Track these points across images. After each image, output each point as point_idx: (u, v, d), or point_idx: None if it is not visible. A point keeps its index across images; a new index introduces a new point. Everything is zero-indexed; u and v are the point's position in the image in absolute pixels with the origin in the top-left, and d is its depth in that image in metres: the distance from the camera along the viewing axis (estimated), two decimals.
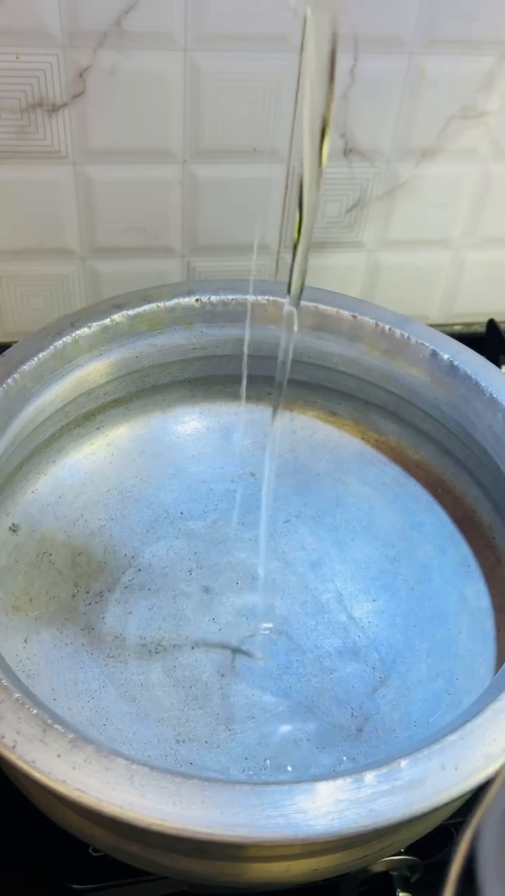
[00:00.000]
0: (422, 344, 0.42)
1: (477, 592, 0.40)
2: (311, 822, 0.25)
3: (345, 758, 0.36)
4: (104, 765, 0.27)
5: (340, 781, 0.26)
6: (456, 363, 0.41)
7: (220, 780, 0.27)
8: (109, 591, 0.41)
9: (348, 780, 0.26)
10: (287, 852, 0.28)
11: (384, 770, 0.27)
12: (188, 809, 0.26)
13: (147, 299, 0.42)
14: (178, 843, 0.27)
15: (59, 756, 0.27)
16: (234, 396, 0.48)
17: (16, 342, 0.40)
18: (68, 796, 0.26)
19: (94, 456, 0.45)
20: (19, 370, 0.38)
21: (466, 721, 0.28)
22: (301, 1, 0.29)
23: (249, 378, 0.47)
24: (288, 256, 0.54)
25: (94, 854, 0.36)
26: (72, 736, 0.27)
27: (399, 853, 0.35)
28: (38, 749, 0.27)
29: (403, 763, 0.27)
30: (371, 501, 0.46)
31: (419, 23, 0.46)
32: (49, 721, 0.28)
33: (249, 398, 0.48)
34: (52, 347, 0.40)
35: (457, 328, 0.61)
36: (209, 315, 0.44)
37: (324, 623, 0.41)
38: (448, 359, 0.41)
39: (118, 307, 0.42)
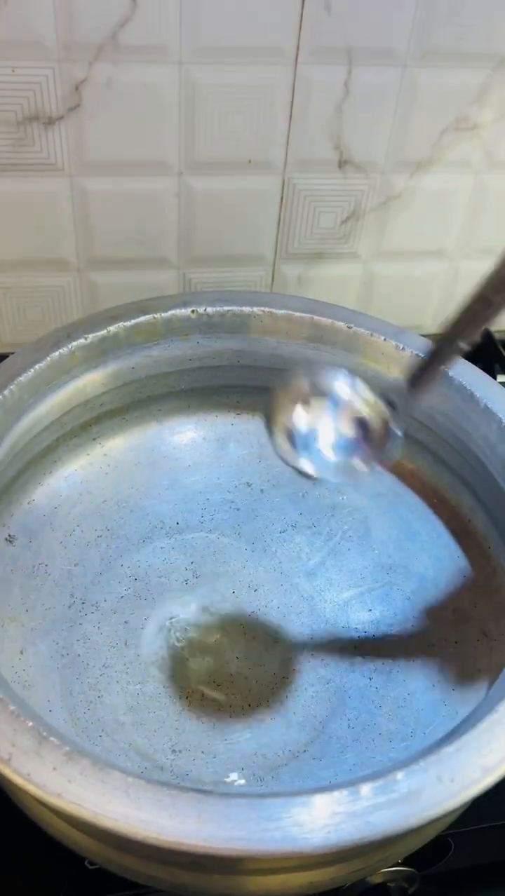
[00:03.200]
0: (417, 355, 0.42)
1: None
2: (307, 836, 0.25)
3: (341, 768, 0.36)
4: (100, 778, 0.26)
5: (336, 794, 0.26)
6: (450, 374, 0.41)
7: (217, 793, 0.27)
8: (105, 601, 0.41)
9: (345, 792, 0.26)
10: (284, 865, 0.28)
11: (381, 782, 0.27)
12: (184, 823, 0.26)
13: (143, 311, 0.43)
14: (174, 856, 0.27)
15: (54, 769, 0.27)
16: (231, 407, 0.48)
17: (12, 353, 0.40)
18: (64, 809, 0.26)
19: (90, 466, 0.45)
20: (16, 381, 0.38)
21: (463, 733, 0.28)
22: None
23: (245, 388, 0.47)
24: (284, 267, 0.55)
25: (90, 867, 0.35)
26: (67, 749, 0.27)
27: (396, 864, 0.35)
28: (34, 762, 0.27)
29: (400, 775, 0.27)
30: (367, 511, 0.46)
31: (413, 36, 0.46)
32: (44, 733, 0.27)
33: (245, 408, 0.48)
34: (48, 359, 0.40)
35: None
36: (205, 326, 0.44)
37: (320, 633, 0.41)
38: None
39: (115, 318, 0.42)
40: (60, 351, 0.40)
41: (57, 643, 0.39)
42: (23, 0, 0.41)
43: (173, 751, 0.36)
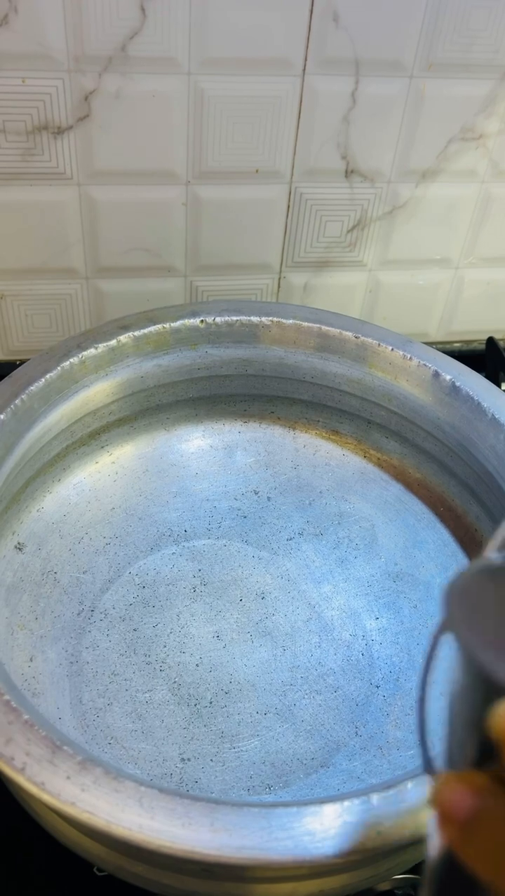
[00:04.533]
0: (424, 365, 0.42)
1: None
2: (318, 845, 0.26)
3: (349, 776, 0.36)
4: (113, 787, 0.27)
5: (347, 803, 0.27)
6: (458, 384, 0.41)
7: (229, 802, 0.27)
8: (114, 608, 0.42)
9: (355, 801, 0.27)
10: (294, 874, 0.29)
11: (391, 792, 0.27)
12: (197, 831, 0.26)
13: (153, 320, 0.43)
14: (186, 864, 0.27)
15: (68, 778, 0.27)
16: (238, 415, 0.48)
17: (21, 360, 0.41)
18: (77, 818, 0.26)
19: (99, 474, 0.45)
20: (27, 391, 0.39)
21: None
22: None
23: (252, 397, 0.47)
24: (290, 275, 0.55)
25: (99, 874, 0.36)
26: (80, 758, 0.27)
27: (404, 872, 0.35)
28: (48, 771, 0.27)
29: (410, 784, 0.27)
30: (373, 519, 0.46)
31: (420, 47, 0.46)
32: (58, 743, 0.28)
33: (252, 417, 0.48)
34: (59, 368, 0.40)
35: (456, 346, 0.61)
36: (214, 336, 0.44)
37: (327, 640, 0.42)
38: (450, 380, 0.42)
39: (124, 328, 0.42)
40: (71, 360, 0.41)
41: (66, 650, 0.39)
42: (33, 12, 0.41)
43: (182, 759, 0.37)
